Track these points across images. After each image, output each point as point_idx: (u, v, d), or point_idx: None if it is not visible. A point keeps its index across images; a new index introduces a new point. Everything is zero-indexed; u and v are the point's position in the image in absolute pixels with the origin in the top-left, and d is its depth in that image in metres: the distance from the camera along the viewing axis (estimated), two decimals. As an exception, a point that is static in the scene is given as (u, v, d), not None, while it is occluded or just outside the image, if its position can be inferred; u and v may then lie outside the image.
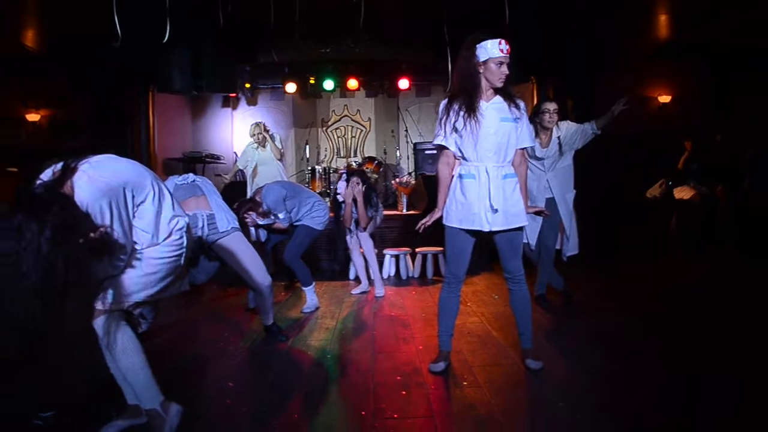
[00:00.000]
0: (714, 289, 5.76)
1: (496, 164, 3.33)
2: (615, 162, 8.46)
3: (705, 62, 9.13)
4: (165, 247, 2.61)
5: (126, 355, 2.62)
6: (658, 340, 4.08)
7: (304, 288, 5.40)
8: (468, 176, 3.38)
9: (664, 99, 9.73)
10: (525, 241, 5.04)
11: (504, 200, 3.32)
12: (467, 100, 3.32)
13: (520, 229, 3.43)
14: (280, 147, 7.66)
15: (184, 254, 2.70)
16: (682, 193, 8.58)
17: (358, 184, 5.82)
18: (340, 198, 5.94)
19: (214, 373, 3.68)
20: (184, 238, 2.69)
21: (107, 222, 2.33)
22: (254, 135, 7.63)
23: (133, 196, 2.49)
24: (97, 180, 2.33)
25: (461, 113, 3.34)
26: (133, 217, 2.51)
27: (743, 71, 8.90)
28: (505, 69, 3.28)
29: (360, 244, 6.07)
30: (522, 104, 3.42)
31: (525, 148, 3.45)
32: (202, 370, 3.76)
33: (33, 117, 8.91)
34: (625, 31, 8.11)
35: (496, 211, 3.30)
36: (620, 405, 2.94)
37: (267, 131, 7.67)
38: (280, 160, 7.68)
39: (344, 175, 6.10)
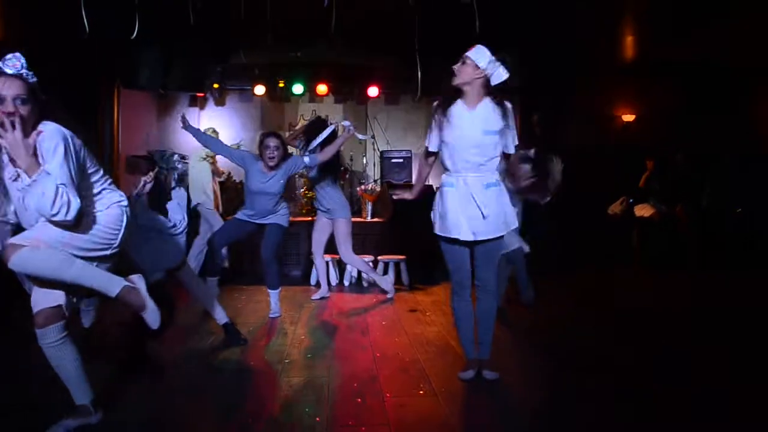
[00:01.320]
0: (669, 302, 5.90)
1: (477, 174, 3.31)
2: (578, 177, 8.60)
3: (669, 82, 9.35)
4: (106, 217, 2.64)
5: (59, 352, 2.62)
6: (612, 352, 4.14)
7: (270, 291, 5.30)
8: (447, 185, 3.39)
9: (628, 117, 9.94)
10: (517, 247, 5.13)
11: (485, 210, 3.28)
12: (446, 107, 3.36)
13: (500, 239, 3.41)
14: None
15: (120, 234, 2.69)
16: (643, 210, 8.77)
17: (276, 149, 5.16)
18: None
19: (170, 375, 3.63)
20: (124, 216, 2.70)
21: (56, 161, 2.37)
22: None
23: (87, 162, 2.58)
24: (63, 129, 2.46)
25: (443, 120, 3.37)
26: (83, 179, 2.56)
27: (706, 90, 9.15)
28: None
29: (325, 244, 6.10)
30: (509, 108, 3.38)
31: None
32: (156, 369, 3.71)
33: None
34: (592, 48, 8.28)
35: (474, 220, 3.29)
36: (575, 415, 2.99)
37: (216, 134, 7.52)
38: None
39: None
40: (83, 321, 4.19)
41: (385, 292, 6.21)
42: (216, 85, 9.56)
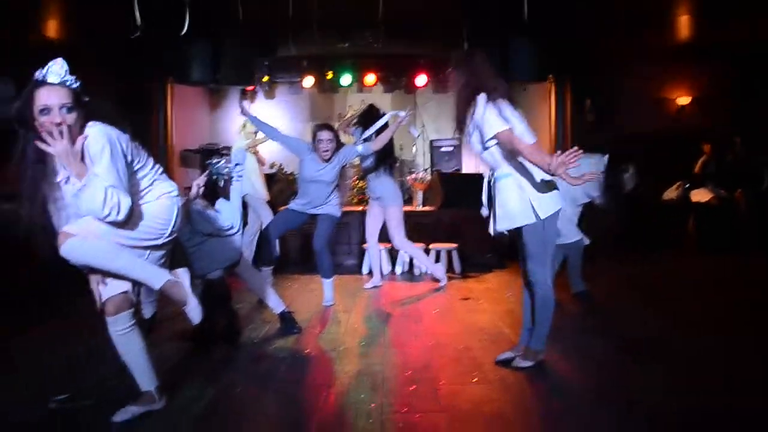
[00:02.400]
0: (729, 290, 5.71)
1: (490, 167, 3.43)
2: (632, 163, 8.41)
3: (726, 63, 9.01)
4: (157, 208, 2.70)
5: (128, 339, 2.71)
6: (670, 339, 4.05)
7: (324, 280, 5.33)
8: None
9: (684, 100, 9.63)
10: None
11: (499, 202, 3.37)
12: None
13: (531, 228, 3.29)
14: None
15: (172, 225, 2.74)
16: (700, 195, 8.50)
17: (330, 142, 5.22)
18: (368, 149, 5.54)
19: (229, 363, 3.71)
20: (175, 207, 2.75)
21: (104, 163, 2.42)
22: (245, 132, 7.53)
23: (135, 157, 2.62)
24: (108, 128, 2.50)
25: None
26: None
27: (764, 71, 8.78)
28: None
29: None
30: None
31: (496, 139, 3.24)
32: (214, 359, 3.80)
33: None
34: (646, 30, 8.05)
35: (493, 213, 3.43)
36: (632, 403, 2.93)
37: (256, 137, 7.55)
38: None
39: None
40: (144, 312, 4.30)
41: (437, 280, 6.20)
42: (265, 78, 9.69)
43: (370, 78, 10.13)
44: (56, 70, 2.43)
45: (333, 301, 5.33)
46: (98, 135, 2.45)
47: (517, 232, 3.36)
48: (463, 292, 5.86)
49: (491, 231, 3.49)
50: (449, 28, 7.35)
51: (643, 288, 5.92)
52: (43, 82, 2.41)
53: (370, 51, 9.37)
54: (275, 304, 4.42)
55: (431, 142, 10.24)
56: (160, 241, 2.71)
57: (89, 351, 3.73)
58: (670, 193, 8.79)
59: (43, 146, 2.35)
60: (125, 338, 2.70)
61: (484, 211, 3.60)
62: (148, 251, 2.69)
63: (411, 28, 8.23)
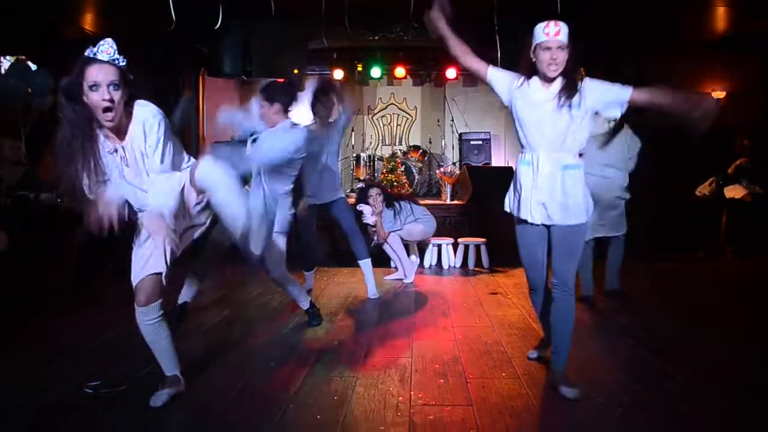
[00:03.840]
0: (761, 291, 5.60)
1: (552, 153, 2.97)
2: (664, 158, 8.27)
3: (762, 57, 8.80)
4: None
5: (157, 329, 2.80)
6: (702, 338, 4.00)
7: (362, 262, 5.29)
8: (524, 163, 3.06)
9: (719, 94, 9.43)
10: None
11: (562, 194, 2.95)
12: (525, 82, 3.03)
13: (577, 227, 3.01)
14: None
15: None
16: (734, 192, 8.32)
17: (379, 195, 5.97)
18: (369, 221, 5.99)
19: (257, 353, 3.75)
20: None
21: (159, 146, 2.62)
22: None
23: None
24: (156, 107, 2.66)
25: (521, 90, 3.03)
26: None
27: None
28: (555, 55, 2.87)
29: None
30: (591, 86, 2.97)
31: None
32: (240, 350, 3.84)
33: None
34: (680, 21, 7.90)
35: (543, 204, 2.97)
36: (659, 401, 2.90)
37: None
38: None
39: (362, 190, 6.21)
40: (182, 295, 4.26)
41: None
42: (296, 71, 9.72)
43: (400, 71, 10.12)
44: (106, 48, 2.53)
45: (377, 293, 5.32)
46: (152, 110, 2.62)
47: (559, 231, 3.02)
48: (491, 287, 5.83)
49: (538, 221, 3.01)
50: (480, 22, 7.28)
51: (675, 287, 5.84)
52: (94, 59, 2.50)
53: (400, 44, 9.36)
54: (303, 300, 4.40)
55: (460, 135, 10.21)
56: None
57: (118, 338, 3.80)
58: (703, 189, 8.63)
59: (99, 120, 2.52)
60: (154, 328, 2.78)
61: (531, 204, 3.02)
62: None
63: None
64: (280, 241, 4.07)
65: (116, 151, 2.62)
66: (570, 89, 2.93)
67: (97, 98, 2.47)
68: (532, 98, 3.00)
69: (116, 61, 2.53)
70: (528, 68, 3.03)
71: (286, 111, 4.06)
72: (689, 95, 2.95)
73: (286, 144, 3.88)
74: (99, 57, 2.50)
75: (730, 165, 8.58)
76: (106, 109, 2.48)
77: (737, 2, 7.54)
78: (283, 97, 4.04)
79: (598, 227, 4.95)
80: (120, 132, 2.61)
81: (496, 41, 6.86)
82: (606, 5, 6.87)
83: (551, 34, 2.89)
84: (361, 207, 5.95)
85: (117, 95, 2.51)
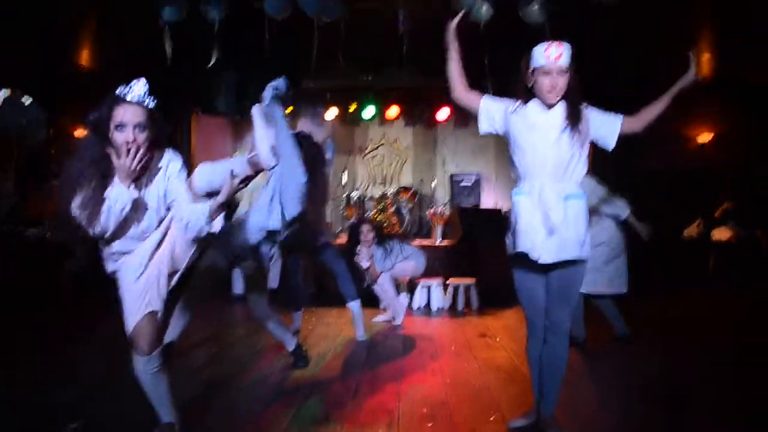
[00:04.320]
0: (755, 331, 5.59)
1: (553, 182, 2.82)
2: (651, 199, 8.35)
3: (746, 102, 8.97)
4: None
5: (157, 378, 2.67)
6: (694, 380, 3.97)
7: (350, 302, 5.25)
8: (521, 194, 2.90)
9: (705, 138, 9.59)
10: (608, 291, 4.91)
11: (564, 226, 2.78)
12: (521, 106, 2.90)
13: (576, 266, 2.87)
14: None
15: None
16: (720, 234, 8.40)
17: (370, 231, 6.02)
18: (364, 265, 6.02)
19: (242, 394, 3.70)
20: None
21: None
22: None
23: None
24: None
25: (519, 115, 2.90)
26: None
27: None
28: (555, 81, 2.76)
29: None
30: (590, 113, 2.90)
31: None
32: (228, 389, 3.78)
33: (81, 133, 9.18)
34: (667, 65, 8.05)
35: (548, 236, 2.79)
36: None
37: (254, 154, 7.71)
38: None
39: (354, 226, 6.26)
40: (168, 334, 4.19)
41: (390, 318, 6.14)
42: (290, 109, 9.81)
43: (393, 111, 10.22)
44: (137, 89, 2.54)
45: (365, 336, 5.27)
46: (178, 158, 2.67)
47: (557, 272, 2.87)
48: (480, 329, 5.80)
49: (537, 257, 2.81)
50: (472, 64, 7.41)
51: (665, 329, 5.82)
52: (123, 99, 2.51)
53: (392, 84, 9.49)
54: (289, 341, 4.36)
55: (451, 176, 10.28)
56: None
57: (106, 377, 3.73)
58: (690, 231, 8.71)
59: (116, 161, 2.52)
60: (154, 377, 2.65)
61: (528, 238, 2.84)
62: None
63: (434, 63, 8.31)
64: (261, 279, 4.05)
65: (134, 204, 2.55)
66: (576, 115, 2.81)
67: (122, 139, 2.47)
68: (531, 121, 2.85)
69: (145, 102, 2.53)
70: (525, 92, 2.89)
71: None
72: (671, 91, 2.94)
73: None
74: (128, 97, 2.51)
75: (715, 206, 8.69)
76: (129, 151, 2.47)
77: (720, 50, 7.72)
78: None
79: (596, 280, 4.82)
80: (138, 177, 2.57)
81: (487, 85, 6.93)
82: (593, 50, 7.00)
83: (552, 57, 2.75)
84: (358, 258, 6.00)
85: (142, 137, 2.50)
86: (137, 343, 2.58)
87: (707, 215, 8.70)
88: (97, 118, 2.50)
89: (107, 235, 2.55)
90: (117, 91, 2.53)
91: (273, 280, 4.70)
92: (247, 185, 2.46)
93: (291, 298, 5.35)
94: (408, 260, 6.14)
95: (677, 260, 8.29)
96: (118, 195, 2.51)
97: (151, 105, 2.55)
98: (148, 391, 2.69)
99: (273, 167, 2.44)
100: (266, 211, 4.03)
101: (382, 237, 6.13)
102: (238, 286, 6.91)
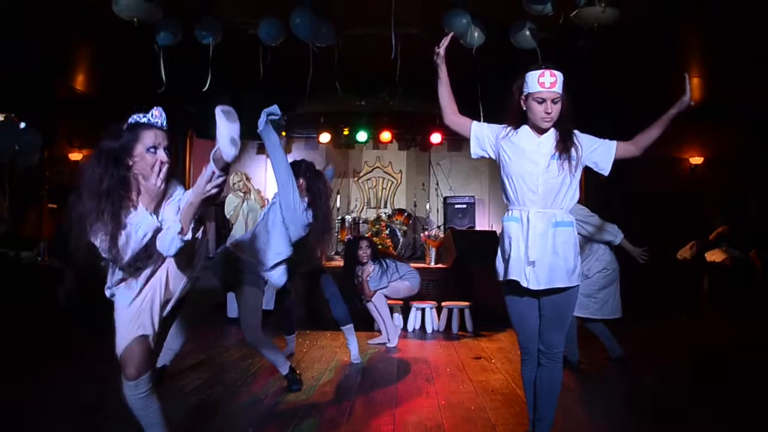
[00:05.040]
0: (746, 353, 5.61)
1: (543, 209, 2.83)
2: (644, 222, 8.41)
3: (738, 124, 9.10)
4: None
5: (146, 402, 2.63)
6: (688, 404, 3.98)
7: (344, 327, 5.27)
8: (511, 219, 2.91)
9: (696, 160, 9.69)
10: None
11: (552, 253, 2.80)
12: (512, 132, 2.92)
13: (568, 291, 2.86)
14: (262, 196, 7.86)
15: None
16: (714, 256, 8.45)
17: (368, 247, 6.07)
18: (368, 274, 6.04)
19: (235, 418, 3.68)
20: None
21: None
22: (235, 184, 7.79)
23: None
24: None
25: (510, 140, 2.92)
26: None
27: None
28: (548, 107, 2.78)
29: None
30: (582, 139, 2.93)
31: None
32: (219, 418, 3.76)
33: (75, 156, 9.21)
34: (658, 90, 8.18)
35: (534, 264, 2.80)
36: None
37: (249, 180, 7.83)
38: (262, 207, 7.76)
39: (351, 242, 6.30)
40: (161, 358, 4.22)
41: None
42: (284, 133, 9.88)
43: (386, 135, 10.31)
44: (160, 115, 2.60)
45: (359, 359, 5.25)
46: (182, 188, 2.67)
47: (549, 297, 2.87)
48: (475, 351, 5.80)
49: (527, 284, 2.83)
50: (465, 88, 7.49)
51: (659, 351, 5.83)
52: (151, 125, 2.56)
53: (386, 108, 9.57)
54: (282, 364, 4.35)
55: (445, 199, 10.33)
56: None
57: (96, 400, 3.72)
58: (684, 253, 8.76)
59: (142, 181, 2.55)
60: (143, 401, 2.61)
61: (517, 265, 2.85)
62: None
63: (427, 87, 8.40)
64: (256, 303, 4.07)
65: (155, 230, 2.55)
66: (566, 141, 2.82)
67: (154, 160, 2.52)
68: (521, 148, 2.87)
69: (167, 127, 2.61)
70: (517, 117, 2.91)
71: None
72: (667, 115, 2.94)
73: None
74: (158, 122, 2.58)
75: (708, 229, 8.75)
76: (161, 171, 2.53)
77: (712, 74, 7.84)
78: None
79: (590, 306, 4.86)
80: (157, 202, 2.60)
81: (479, 108, 7.01)
82: (584, 72, 7.11)
83: (546, 85, 2.76)
84: (360, 271, 6.04)
85: (169, 159, 2.58)
86: (126, 367, 2.56)
87: (701, 237, 8.76)
88: (122, 143, 2.52)
89: (125, 260, 2.53)
90: (138, 117, 2.58)
91: (267, 303, 4.69)
92: (220, 188, 2.47)
93: (285, 322, 5.36)
94: (403, 280, 6.14)
95: (671, 282, 8.32)
96: (141, 220, 2.52)
97: (168, 131, 2.63)
98: (138, 416, 2.65)
99: (233, 158, 2.46)
100: (282, 236, 4.09)
101: (379, 254, 6.16)
102: (232, 309, 6.90)
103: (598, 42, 6.38)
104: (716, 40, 7.03)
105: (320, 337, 6.34)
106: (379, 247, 8.81)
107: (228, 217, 7.83)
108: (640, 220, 6.38)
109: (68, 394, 4.01)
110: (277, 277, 4.16)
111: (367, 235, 9.09)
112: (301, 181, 4.41)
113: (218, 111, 2.52)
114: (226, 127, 2.47)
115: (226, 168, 2.44)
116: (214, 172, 2.40)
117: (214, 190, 2.42)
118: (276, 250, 4.13)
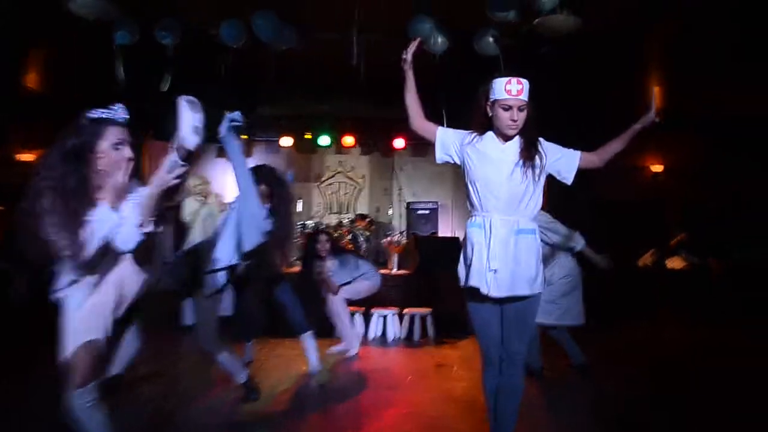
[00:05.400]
0: (706, 360, 5.71)
1: (506, 216, 2.85)
2: (607, 229, 8.53)
3: (698, 133, 9.29)
4: None
5: (92, 413, 2.50)
6: (649, 410, 4.02)
7: (302, 334, 5.10)
8: (474, 225, 2.92)
9: (657, 168, 9.88)
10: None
11: (514, 260, 2.81)
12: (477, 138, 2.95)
13: (531, 299, 2.88)
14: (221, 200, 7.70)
15: None
16: (674, 263, 8.63)
17: (327, 241, 6.03)
18: (327, 271, 5.99)
19: (192, 429, 3.60)
20: None
21: None
22: (194, 187, 7.65)
23: None
24: None
25: (474, 147, 2.94)
26: None
27: (738, 142, 9.05)
28: (514, 115, 2.81)
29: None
30: (547, 148, 2.95)
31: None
32: (175, 428, 3.67)
33: (27, 157, 8.94)
34: (623, 99, 8.34)
35: (496, 271, 2.80)
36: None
37: (208, 184, 7.70)
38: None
39: (311, 236, 6.29)
40: (116, 366, 4.08)
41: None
42: (244, 136, 9.76)
43: (349, 139, 10.25)
44: (122, 111, 2.58)
45: (319, 367, 5.09)
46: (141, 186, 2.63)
47: (511, 305, 2.88)
48: (437, 359, 5.78)
49: (487, 291, 2.82)
50: (428, 92, 7.51)
51: (621, 358, 5.90)
52: (116, 121, 2.54)
53: (348, 112, 9.53)
54: (239, 373, 4.26)
55: (408, 204, 10.32)
56: None
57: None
58: (645, 260, 8.92)
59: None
60: (87, 413, 2.48)
61: (479, 272, 2.85)
62: None
63: (390, 91, 8.40)
64: (212, 309, 3.99)
65: (115, 228, 2.52)
66: (531, 149, 2.86)
67: (120, 156, 2.51)
68: (486, 155, 2.89)
69: (129, 123, 2.58)
70: (482, 123, 2.94)
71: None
72: (632, 129, 2.98)
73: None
74: (121, 119, 2.55)
75: (668, 236, 8.92)
76: (126, 168, 2.53)
77: (673, 83, 8.01)
78: None
79: (553, 312, 4.84)
80: (119, 199, 2.55)
81: (442, 113, 7.03)
82: (546, 81, 7.19)
83: (513, 92, 2.79)
84: (320, 268, 5.96)
85: (133, 156, 2.57)
86: (70, 374, 2.45)
87: (661, 244, 8.93)
88: (84, 140, 2.47)
89: (85, 259, 2.43)
90: (99, 113, 2.53)
91: (225, 309, 4.59)
92: (181, 180, 2.43)
93: (242, 329, 5.27)
94: (363, 279, 6.10)
95: (632, 289, 8.45)
96: (104, 217, 2.46)
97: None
98: (81, 428, 2.49)
99: (195, 146, 2.43)
100: (227, 243, 4.00)
101: (339, 249, 6.12)
102: (189, 316, 6.76)
103: (562, 50, 6.44)
104: (678, 51, 7.18)
105: (279, 345, 6.24)
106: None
107: (186, 221, 7.65)
108: (603, 228, 6.44)
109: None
110: (213, 281, 4.05)
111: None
112: (263, 186, 4.33)
113: (182, 100, 2.51)
114: (190, 116, 2.47)
115: (187, 158, 2.41)
116: (175, 162, 2.37)
117: (175, 180, 2.39)
118: (220, 255, 4.03)
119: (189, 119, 2.45)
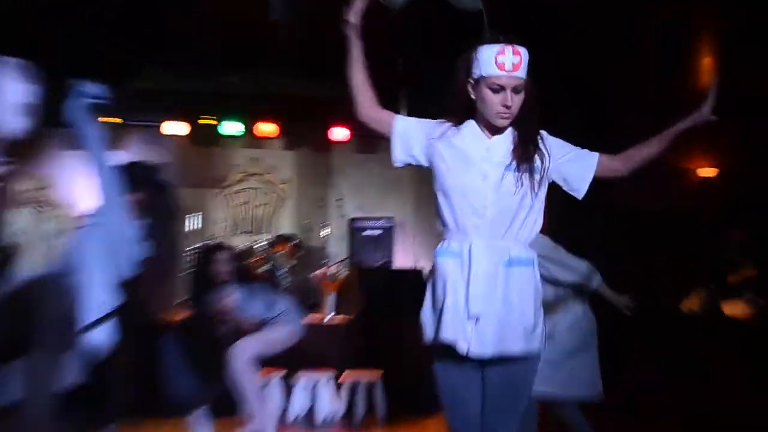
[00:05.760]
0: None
1: (492, 240, 2.76)
2: (628, 252, 8.58)
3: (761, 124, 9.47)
4: None
5: None
6: None
7: (189, 414, 5.23)
8: (447, 254, 2.83)
9: (707, 172, 10.03)
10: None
11: (503, 302, 2.72)
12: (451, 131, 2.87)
13: (526, 360, 2.79)
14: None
15: None
16: (733, 308, 8.69)
17: (228, 262, 5.89)
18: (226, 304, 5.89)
19: None
20: None
21: None
22: (25, 193, 7.52)
23: None
24: None
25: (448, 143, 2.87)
26: None
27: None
28: (507, 99, 2.70)
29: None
30: (551, 144, 2.87)
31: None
32: None
33: None
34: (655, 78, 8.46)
35: (477, 319, 2.70)
36: None
37: (47, 188, 7.55)
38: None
39: (204, 252, 6.21)
40: None
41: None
42: (111, 120, 9.57)
43: (267, 127, 10.17)
44: None
45: None
46: None
47: (496, 368, 2.79)
48: (389, 449, 5.75)
49: (473, 350, 2.71)
50: (380, 64, 7.51)
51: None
52: None
53: (267, 88, 9.46)
54: None
55: (351, 221, 10.29)
56: None
57: None
58: (691, 302, 8.93)
59: None
60: None
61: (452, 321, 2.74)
62: None
63: (327, 59, 8.38)
64: (50, 378, 3.91)
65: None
66: (528, 146, 2.77)
67: None
68: (464, 153, 2.80)
69: None
70: (461, 109, 2.85)
71: None
72: (675, 129, 2.88)
73: None
74: None
75: (724, 266, 8.98)
76: None
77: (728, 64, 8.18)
78: None
79: (554, 379, 4.71)
80: None
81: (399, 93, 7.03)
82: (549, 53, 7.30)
83: (507, 66, 2.68)
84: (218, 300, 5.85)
85: None
86: None
87: (716, 279, 8.94)
88: None
89: None
90: None
91: (70, 377, 4.44)
92: (3, 181, 2.41)
93: (100, 406, 5.13)
94: (281, 324, 5.98)
95: (674, 344, 8.50)
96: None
97: None
98: None
99: (25, 133, 2.40)
100: (98, 278, 3.90)
101: (246, 274, 6.00)
102: (11, 388, 6.59)
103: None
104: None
105: (157, 430, 6.11)
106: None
107: (12, 242, 7.44)
108: (623, 250, 6.43)
109: None
110: (100, 339, 3.96)
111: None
112: (137, 194, 4.23)
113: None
114: (13, 88, 2.43)
115: (11, 150, 2.37)
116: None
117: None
118: (98, 298, 3.93)
119: (12, 92, 2.39)
